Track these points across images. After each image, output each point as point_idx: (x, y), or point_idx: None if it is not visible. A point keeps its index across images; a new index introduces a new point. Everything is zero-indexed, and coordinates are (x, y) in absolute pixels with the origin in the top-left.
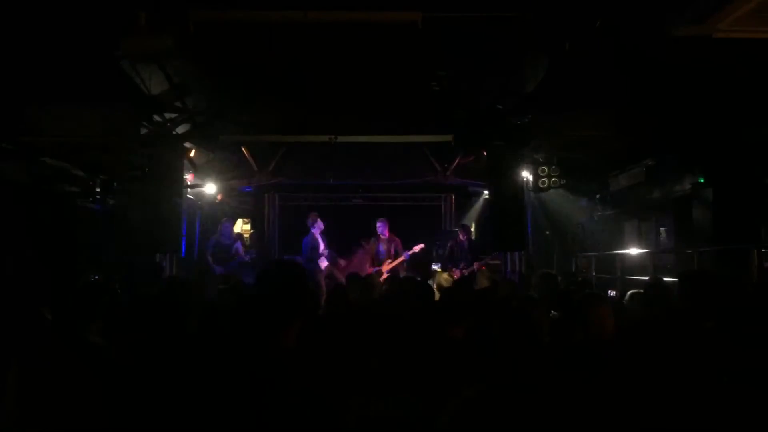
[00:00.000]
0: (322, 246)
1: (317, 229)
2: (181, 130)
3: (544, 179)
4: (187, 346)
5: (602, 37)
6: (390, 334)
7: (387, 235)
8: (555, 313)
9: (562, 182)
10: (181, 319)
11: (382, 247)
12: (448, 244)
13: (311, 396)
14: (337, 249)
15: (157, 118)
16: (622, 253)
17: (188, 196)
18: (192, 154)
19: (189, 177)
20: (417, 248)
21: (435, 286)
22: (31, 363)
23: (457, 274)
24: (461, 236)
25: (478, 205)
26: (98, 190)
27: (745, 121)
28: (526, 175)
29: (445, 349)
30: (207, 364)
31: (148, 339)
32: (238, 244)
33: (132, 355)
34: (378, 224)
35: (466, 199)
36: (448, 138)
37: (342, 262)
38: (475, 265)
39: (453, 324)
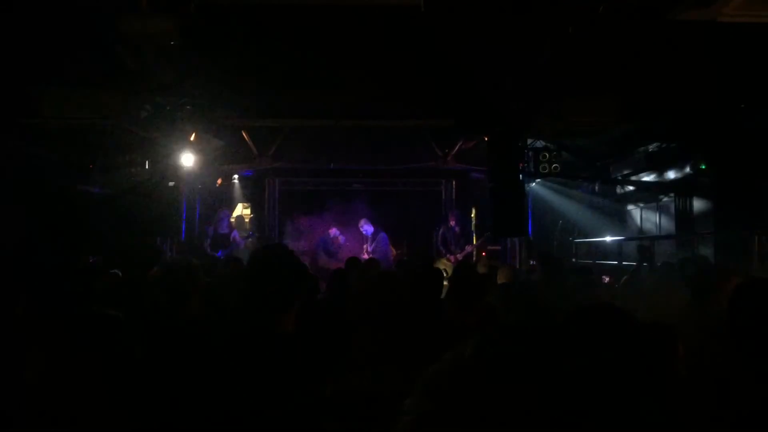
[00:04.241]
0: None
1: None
2: (181, 113)
3: (545, 165)
4: (188, 331)
5: (605, 21)
6: (399, 318)
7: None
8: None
9: (562, 168)
10: (182, 302)
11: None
12: (440, 231)
13: (310, 383)
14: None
15: (157, 101)
16: (621, 240)
17: (188, 179)
18: (192, 137)
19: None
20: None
21: None
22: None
23: (452, 260)
24: (452, 221)
25: (479, 190)
26: (98, 173)
27: (747, 106)
28: (527, 161)
29: (461, 335)
30: (206, 350)
31: (148, 322)
32: (235, 233)
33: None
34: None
35: (467, 184)
36: (450, 123)
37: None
38: (468, 248)
39: (467, 310)
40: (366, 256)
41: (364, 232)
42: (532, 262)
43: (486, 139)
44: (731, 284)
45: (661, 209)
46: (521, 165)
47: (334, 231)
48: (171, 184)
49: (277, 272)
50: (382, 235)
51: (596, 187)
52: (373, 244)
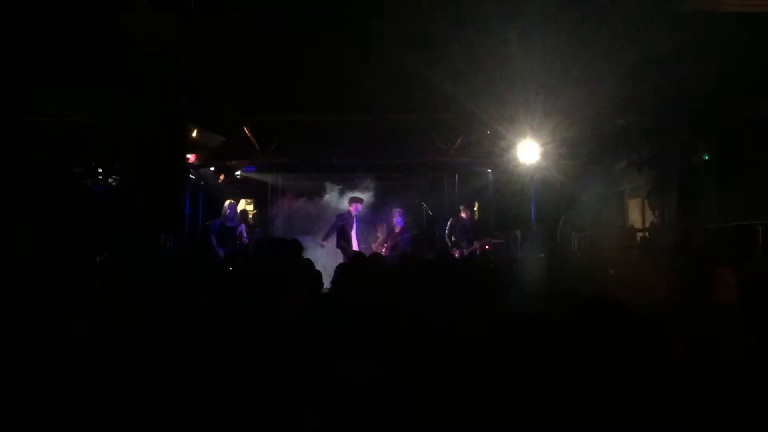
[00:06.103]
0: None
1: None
2: (183, 109)
3: (549, 158)
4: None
5: (608, 11)
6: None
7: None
8: None
9: (565, 161)
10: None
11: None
12: (448, 222)
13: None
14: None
15: (159, 97)
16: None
17: (191, 176)
18: (194, 134)
19: (191, 157)
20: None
21: None
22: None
23: (457, 254)
24: (463, 214)
25: (482, 183)
26: (100, 170)
27: (751, 96)
28: (531, 153)
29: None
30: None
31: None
32: (242, 227)
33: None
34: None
35: (470, 178)
36: (452, 116)
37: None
38: (476, 245)
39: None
40: (385, 251)
41: (395, 223)
42: (542, 254)
43: (488, 132)
44: (720, 272)
45: (664, 202)
46: (524, 158)
47: (356, 207)
48: (174, 181)
49: (275, 256)
50: (408, 236)
51: (599, 180)
52: (395, 241)
